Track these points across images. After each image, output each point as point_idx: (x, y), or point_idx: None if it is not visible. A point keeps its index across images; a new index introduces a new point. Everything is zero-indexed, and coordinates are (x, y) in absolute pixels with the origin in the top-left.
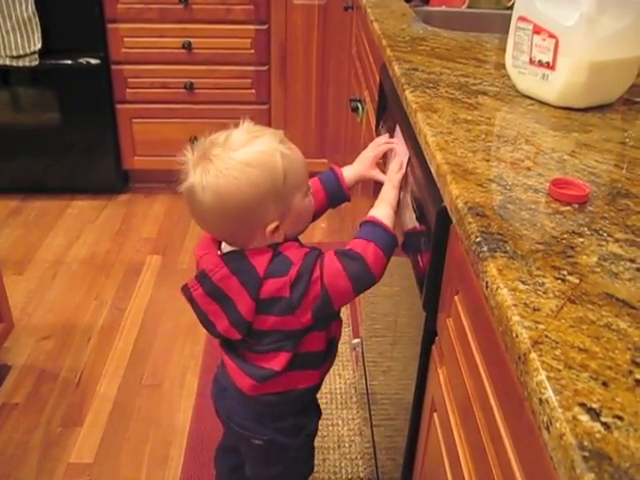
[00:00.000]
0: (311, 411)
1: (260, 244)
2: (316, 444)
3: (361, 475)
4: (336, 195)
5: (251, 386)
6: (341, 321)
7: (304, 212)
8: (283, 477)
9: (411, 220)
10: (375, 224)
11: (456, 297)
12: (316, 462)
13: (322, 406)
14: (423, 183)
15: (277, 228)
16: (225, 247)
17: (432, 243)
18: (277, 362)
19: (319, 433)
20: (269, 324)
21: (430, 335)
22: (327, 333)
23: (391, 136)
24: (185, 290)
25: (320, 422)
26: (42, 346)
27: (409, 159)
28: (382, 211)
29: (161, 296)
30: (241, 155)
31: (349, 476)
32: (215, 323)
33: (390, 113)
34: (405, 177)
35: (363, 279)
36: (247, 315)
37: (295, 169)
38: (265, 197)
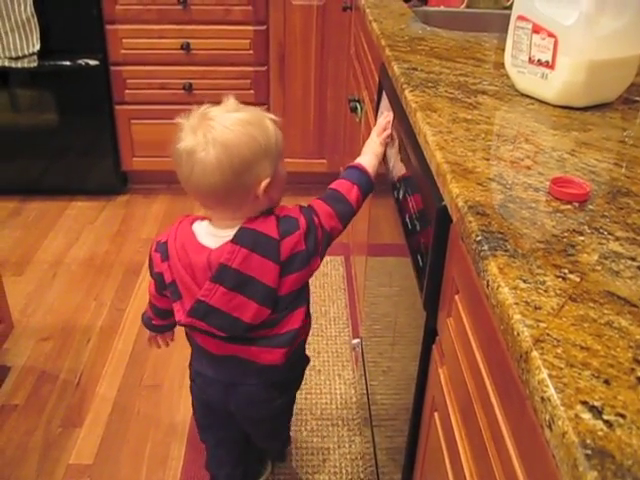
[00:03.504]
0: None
1: (249, 210)
2: (316, 444)
3: (361, 475)
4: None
5: (282, 354)
6: None
7: (284, 178)
8: (291, 406)
9: (395, 167)
10: (362, 171)
11: (457, 296)
12: (316, 462)
13: (322, 406)
14: (423, 182)
15: (267, 188)
16: (208, 241)
17: (432, 242)
18: (296, 320)
19: (319, 434)
20: (288, 285)
21: (431, 335)
22: None
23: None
24: (197, 309)
25: (320, 422)
26: (42, 347)
27: (393, 117)
28: (367, 159)
29: None
30: (240, 115)
31: (349, 476)
32: (241, 317)
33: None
34: (391, 133)
35: (348, 217)
36: (273, 283)
37: (280, 135)
38: (263, 153)
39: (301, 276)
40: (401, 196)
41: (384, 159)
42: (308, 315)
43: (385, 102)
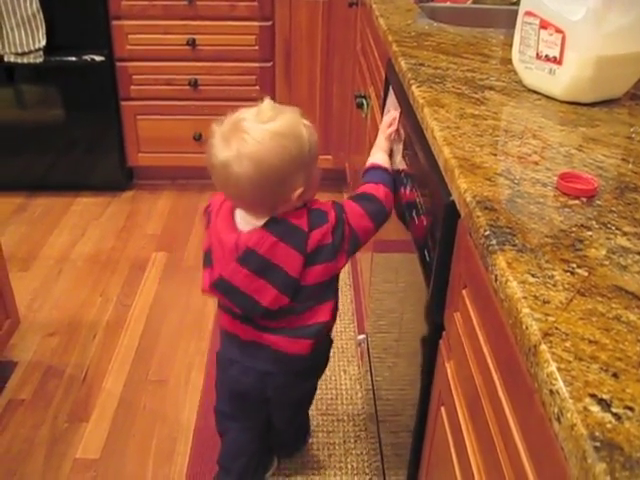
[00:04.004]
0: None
1: (282, 209)
2: (321, 440)
3: (367, 471)
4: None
5: (309, 345)
6: None
7: (317, 179)
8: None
9: (401, 163)
10: (378, 168)
11: (464, 291)
12: (322, 458)
13: (327, 402)
14: (430, 177)
15: (300, 194)
16: (241, 223)
17: (440, 237)
18: (324, 313)
19: (324, 429)
20: (312, 276)
21: (437, 330)
22: None
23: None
24: (220, 285)
25: (325, 418)
26: (48, 342)
27: (400, 113)
28: (380, 157)
29: (166, 292)
30: (273, 127)
31: (355, 472)
32: (260, 300)
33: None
34: (397, 130)
35: (380, 215)
36: (295, 273)
37: (314, 140)
38: (296, 164)
39: (326, 269)
40: (408, 191)
41: (390, 155)
42: (336, 308)
43: (392, 98)
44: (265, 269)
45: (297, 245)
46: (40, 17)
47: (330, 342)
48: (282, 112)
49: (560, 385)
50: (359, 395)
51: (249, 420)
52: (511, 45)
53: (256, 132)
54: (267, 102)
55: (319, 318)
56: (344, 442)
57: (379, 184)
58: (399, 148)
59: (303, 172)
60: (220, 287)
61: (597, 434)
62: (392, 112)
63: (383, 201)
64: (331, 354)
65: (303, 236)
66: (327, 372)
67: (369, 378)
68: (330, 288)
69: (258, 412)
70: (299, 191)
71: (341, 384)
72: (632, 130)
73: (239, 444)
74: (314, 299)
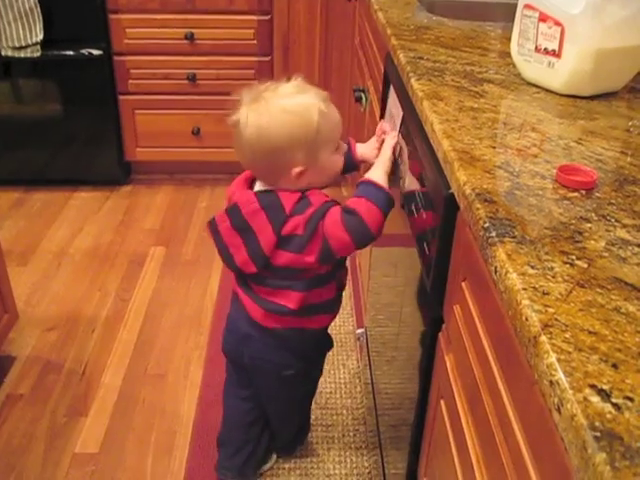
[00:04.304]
0: (328, 338)
1: (287, 186)
2: (320, 434)
3: (365, 464)
4: (348, 163)
5: (261, 315)
6: (347, 270)
7: (329, 167)
8: (309, 395)
9: (411, 182)
10: (368, 183)
11: (463, 283)
12: (320, 452)
13: (326, 395)
14: (430, 170)
15: (301, 173)
16: (258, 187)
17: (439, 230)
18: (289, 300)
19: (323, 423)
20: (284, 260)
21: (437, 322)
22: (337, 282)
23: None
24: (212, 223)
25: (324, 412)
26: (46, 337)
27: (402, 118)
28: (374, 173)
29: (165, 287)
30: (284, 102)
31: (353, 465)
32: (234, 255)
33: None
34: (397, 142)
35: (360, 232)
36: (267, 249)
37: (329, 127)
38: (295, 143)
39: (294, 259)
40: (407, 184)
41: (394, 174)
42: (314, 310)
43: (393, 99)
44: (243, 229)
45: (274, 223)
46: (37, 11)
47: (329, 344)
48: (303, 92)
49: (560, 376)
50: (358, 389)
51: (244, 389)
52: (510, 38)
53: (268, 104)
54: (296, 80)
55: (283, 301)
56: (343, 436)
57: (362, 198)
58: (405, 169)
59: (304, 152)
60: (211, 226)
61: (597, 424)
62: (391, 124)
63: (364, 217)
64: (330, 354)
65: (283, 217)
66: (326, 366)
67: (368, 372)
68: (300, 280)
69: (247, 380)
70: (298, 169)
71: (340, 378)
72: (631, 123)
73: (235, 413)
74: (283, 281)
